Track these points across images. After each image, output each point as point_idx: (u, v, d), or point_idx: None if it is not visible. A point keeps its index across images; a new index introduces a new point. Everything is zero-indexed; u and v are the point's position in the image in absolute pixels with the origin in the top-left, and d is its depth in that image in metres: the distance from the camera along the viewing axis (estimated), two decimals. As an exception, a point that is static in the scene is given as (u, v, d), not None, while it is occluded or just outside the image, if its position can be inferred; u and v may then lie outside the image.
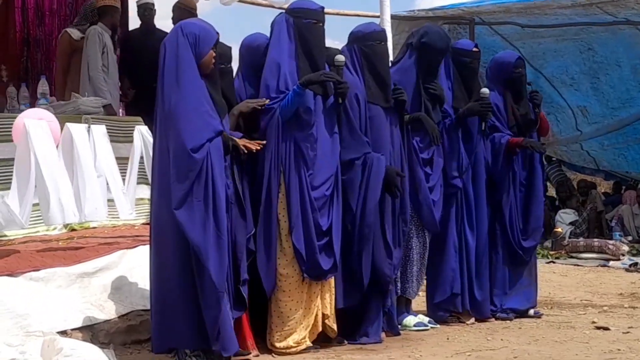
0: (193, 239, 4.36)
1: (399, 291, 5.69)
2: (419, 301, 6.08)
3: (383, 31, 5.73)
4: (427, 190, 5.72)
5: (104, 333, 4.93)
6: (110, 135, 6.82)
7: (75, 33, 8.17)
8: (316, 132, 5.01)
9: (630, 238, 11.09)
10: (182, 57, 4.48)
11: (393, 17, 8.60)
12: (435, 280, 5.91)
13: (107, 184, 6.63)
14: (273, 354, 4.95)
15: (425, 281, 5.96)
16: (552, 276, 8.49)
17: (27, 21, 9.18)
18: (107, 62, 7.85)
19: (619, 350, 5.03)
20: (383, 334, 5.40)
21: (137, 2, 8.53)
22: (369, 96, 5.38)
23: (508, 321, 6.08)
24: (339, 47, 5.60)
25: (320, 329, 5.10)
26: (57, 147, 6.16)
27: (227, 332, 4.51)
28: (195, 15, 8.15)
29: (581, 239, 10.66)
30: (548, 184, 12.55)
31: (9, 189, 5.85)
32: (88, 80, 7.78)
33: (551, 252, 10.20)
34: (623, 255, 9.78)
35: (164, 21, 9.61)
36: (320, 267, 4.97)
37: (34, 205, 5.97)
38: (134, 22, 8.86)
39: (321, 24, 5.16)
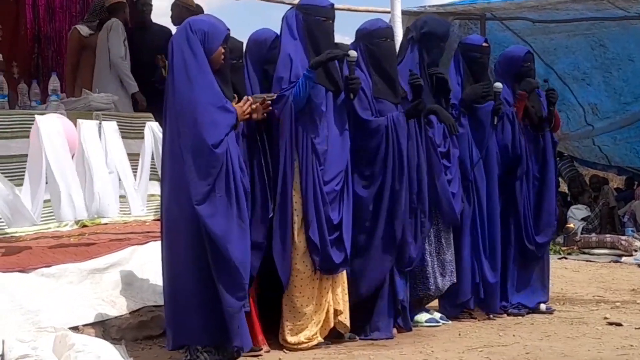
0: (216, 232, 4.34)
1: (432, 287, 5.66)
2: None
3: (389, 28, 5.70)
4: (445, 183, 5.70)
5: (115, 329, 4.94)
6: (121, 132, 6.85)
7: (84, 30, 8.22)
8: (327, 128, 5.01)
9: (642, 234, 11.04)
10: (193, 54, 4.47)
11: (404, 12, 8.57)
12: (458, 280, 5.86)
13: (119, 180, 6.66)
14: (284, 350, 4.94)
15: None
16: (564, 272, 8.47)
17: (38, 18, 9.21)
18: (124, 55, 7.92)
19: (631, 346, 5.01)
20: (395, 330, 5.39)
21: None
22: (375, 92, 5.37)
23: (520, 317, 6.06)
24: (348, 43, 5.59)
25: (332, 324, 5.09)
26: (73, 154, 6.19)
27: (245, 327, 4.53)
28: (195, 13, 8.18)
29: (593, 234, 10.62)
30: (560, 179, 12.49)
31: (21, 185, 5.88)
32: (109, 69, 7.82)
33: (563, 248, 10.17)
34: (635, 251, 9.74)
35: (162, 18, 9.64)
36: (332, 261, 4.97)
37: (46, 201, 6.00)
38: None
39: (331, 22, 5.16)
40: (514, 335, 5.38)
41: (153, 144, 6.97)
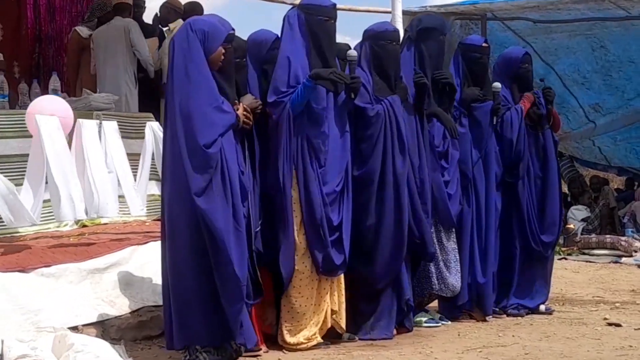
0: (215, 225, 4.36)
1: (435, 287, 5.66)
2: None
3: (396, 32, 5.72)
4: (442, 184, 5.71)
5: (115, 329, 4.93)
6: (121, 131, 6.86)
7: (84, 31, 8.29)
8: (327, 129, 5.02)
9: (642, 234, 11.03)
10: (192, 54, 4.49)
11: (405, 12, 8.58)
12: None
13: (118, 180, 6.66)
14: (284, 350, 4.94)
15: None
16: (564, 272, 8.47)
17: (39, 18, 9.22)
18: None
19: (630, 346, 5.01)
20: (394, 330, 5.40)
21: None
22: (376, 91, 5.39)
23: (519, 317, 6.06)
24: (350, 43, 5.61)
25: (329, 325, 5.09)
26: (68, 135, 6.17)
27: (248, 324, 4.55)
28: (180, 13, 8.26)
29: (593, 235, 10.62)
30: (561, 179, 12.49)
31: (22, 184, 5.89)
32: (123, 67, 7.93)
33: (563, 249, 10.17)
34: (635, 251, 9.75)
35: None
36: (333, 262, 4.97)
37: (45, 201, 6.01)
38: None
39: (333, 21, 5.16)
40: (513, 336, 5.38)
41: (154, 144, 6.97)
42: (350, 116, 5.21)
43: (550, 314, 6.20)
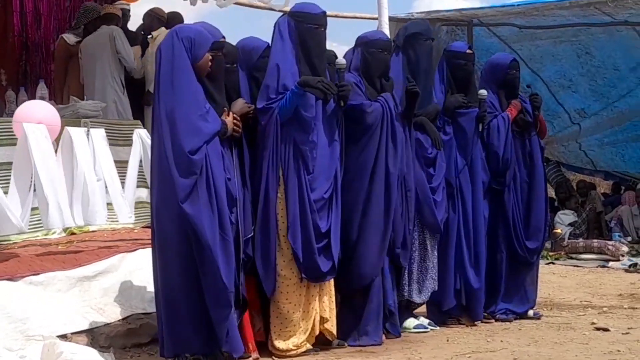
0: (202, 235, 4.37)
1: (405, 294, 5.69)
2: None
3: (389, 42, 5.76)
4: (428, 190, 5.74)
5: (104, 337, 4.92)
6: (109, 139, 6.85)
7: (70, 38, 8.31)
8: (316, 136, 5.03)
9: (629, 239, 11.09)
10: (177, 62, 4.51)
11: (391, 19, 8.59)
12: (439, 288, 5.88)
13: (106, 187, 6.65)
14: (273, 357, 4.94)
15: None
16: (552, 277, 8.50)
17: (26, 25, 9.20)
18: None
19: (618, 351, 5.03)
20: (383, 335, 5.41)
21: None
22: (368, 94, 5.43)
23: (508, 323, 6.08)
24: (336, 49, 5.65)
25: (317, 331, 5.10)
26: (55, 141, 6.16)
27: (235, 333, 4.55)
28: (163, 22, 8.31)
29: (580, 239, 10.66)
30: (547, 185, 12.54)
31: (7, 192, 5.87)
32: (111, 75, 7.93)
33: (551, 253, 10.20)
34: (622, 256, 9.78)
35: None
36: (319, 269, 4.98)
37: (34, 209, 5.99)
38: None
39: (323, 29, 5.19)
40: (501, 341, 5.40)
41: (141, 151, 6.97)
42: (340, 124, 5.23)
43: (539, 318, 6.22)
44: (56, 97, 8.09)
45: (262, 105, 4.95)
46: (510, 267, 6.26)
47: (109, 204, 6.69)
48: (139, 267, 5.44)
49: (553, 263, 9.73)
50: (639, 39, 11.02)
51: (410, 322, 5.75)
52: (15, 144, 6.01)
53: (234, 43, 5.18)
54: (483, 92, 6.12)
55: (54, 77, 8.63)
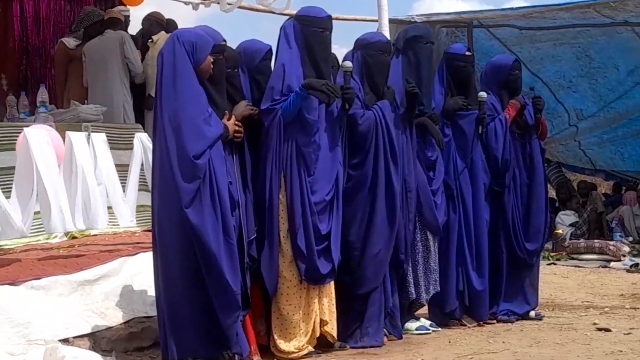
0: (206, 242, 4.37)
1: (412, 295, 5.69)
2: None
3: (388, 43, 5.77)
4: (429, 191, 5.75)
5: (105, 340, 4.92)
6: (110, 143, 6.84)
7: (70, 42, 8.31)
8: (318, 138, 5.04)
9: (630, 239, 11.10)
10: (179, 66, 4.52)
11: (391, 21, 8.61)
12: (441, 290, 5.88)
13: (107, 191, 6.65)
14: (275, 359, 4.95)
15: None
16: (553, 278, 8.50)
17: (26, 30, 9.21)
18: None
19: (620, 351, 5.03)
20: (385, 337, 5.41)
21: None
22: (366, 100, 5.43)
23: (510, 324, 6.09)
24: (337, 51, 5.65)
25: (318, 333, 5.10)
26: (60, 164, 6.19)
27: (242, 334, 4.58)
28: (163, 25, 8.32)
29: (582, 240, 10.66)
30: (548, 185, 12.55)
31: (9, 197, 5.87)
32: (120, 79, 7.98)
33: (552, 254, 10.21)
34: (624, 256, 9.78)
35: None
36: (319, 271, 4.99)
37: (35, 213, 5.99)
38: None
39: (328, 32, 5.22)
40: (503, 342, 5.40)
41: (142, 155, 6.97)
42: (344, 128, 5.24)
43: (540, 319, 6.22)
44: (57, 102, 8.09)
45: (266, 106, 4.97)
46: (511, 268, 6.26)
47: (110, 207, 6.69)
48: (140, 271, 5.44)
49: (554, 264, 9.73)
50: (638, 41, 11.03)
51: (413, 324, 5.77)
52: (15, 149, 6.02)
53: (234, 46, 5.19)
54: (483, 94, 6.13)
55: (55, 81, 8.63)
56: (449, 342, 5.46)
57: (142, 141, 7.00)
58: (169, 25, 8.30)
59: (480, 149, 6.14)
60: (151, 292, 5.22)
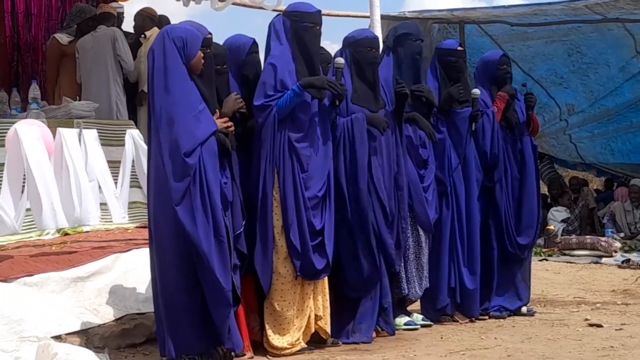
0: (195, 241, 4.38)
1: (404, 290, 5.70)
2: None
3: (375, 39, 5.77)
4: (421, 188, 5.76)
5: (98, 337, 4.92)
6: (101, 139, 6.84)
7: (63, 38, 8.28)
8: (311, 134, 5.05)
9: (622, 235, 11.11)
10: (170, 62, 4.51)
11: (383, 17, 8.61)
12: (433, 285, 5.90)
13: (100, 187, 6.65)
14: (268, 355, 4.95)
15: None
16: (545, 274, 8.52)
17: (17, 26, 9.17)
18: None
19: (612, 347, 5.05)
20: (374, 333, 5.42)
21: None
22: (354, 98, 5.42)
23: (501, 320, 6.10)
24: (329, 47, 5.65)
25: (312, 329, 5.11)
26: (50, 158, 6.19)
27: (235, 330, 4.59)
28: (155, 21, 8.30)
29: (573, 236, 10.68)
30: (540, 181, 12.57)
31: (0, 193, 5.86)
32: (112, 76, 7.95)
33: (544, 250, 10.23)
34: (615, 251, 9.81)
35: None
36: (314, 266, 5.00)
37: (27, 210, 5.98)
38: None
39: (318, 27, 5.22)
40: (495, 338, 5.41)
41: (134, 151, 6.97)
42: (333, 123, 5.25)
43: (532, 315, 6.24)
44: (48, 98, 8.07)
45: (261, 103, 4.96)
46: (502, 263, 6.27)
47: (102, 204, 6.68)
48: (132, 268, 5.44)
49: (546, 259, 9.75)
50: (629, 37, 11.06)
51: (401, 319, 5.77)
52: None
53: (220, 42, 5.19)
54: (476, 91, 6.13)
55: (46, 77, 8.61)
56: (441, 338, 5.47)
57: (134, 137, 7.01)
58: (162, 21, 8.28)
59: (473, 146, 6.15)
60: (144, 288, 5.22)
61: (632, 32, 11.03)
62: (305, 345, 5.07)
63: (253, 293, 5.01)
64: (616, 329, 5.62)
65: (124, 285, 5.33)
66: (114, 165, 6.92)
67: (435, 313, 5.98)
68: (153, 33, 8.17)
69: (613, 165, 13.66)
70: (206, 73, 4.68)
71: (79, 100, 7.38)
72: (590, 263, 9.49)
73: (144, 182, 6.48)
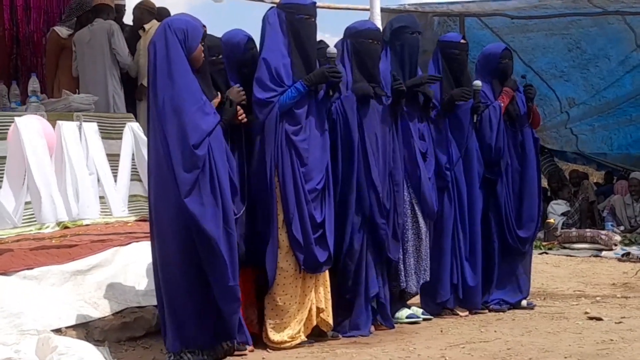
0: (207, 231, 4.36)
1: (402, 284, 5.70)
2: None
3: (377, 30, 5.74)
4: (426, 177, 5.75)
5: (98, 330, 4.92)
6: (101, 132, 6.84)
7: (63, 31, 8.27)
8: (308, 127, 5.04)
9: (622, 228, 11.12)
10: (173, 54, 4.48)
11: (383, 10, 8.59)
12: (434, 280, 5.90)
13: (99, 181, 6.65)
14: (268, 349, 4.95)
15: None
16: (545, 267, 8.52)
17: (16, 19, 9.16)
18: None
19: (611, 340, 5.05)
20: (372, 327, 5.42)
21: None
22: (354, 89, 5.40)
23: (501, 313, 6.10)
24: (329, 40, 5.63)
25: (314, 323, 5.11)
26: (51, 154, 6.18)
27: (243, 324, 4.61)
28: (154, 14, 8.28)
29: (573, 229, 10.68)
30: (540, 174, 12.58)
31: (0, 187, 5.86)
32: (108, 70, 7.91)
33: (544, 243, 10.22)
34: (615, 245, 9.80)
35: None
36: (316, 259, 5.00)
37: (27, 203, 5.98)
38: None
39: (313, 19, 5.18)
40: (495, 331, 5.42)
41: (133, 144, 6.96)
42: (329, 114, 5.24)
43: (532, 308, 6.24)
44: (47, 91, 8.07)
45: (264, 98, 4.93)
46: (503, 256, 6.27)
47: (102, 197, 6.68)
48: (132, 261, 5.43)
49: (546, 253, 9.75)
50: (629, 31, 11.05)
51: (403, 312, 5.77)
52: (6, 139, 6.01)
53: (219, 35, 5.18)
54: (478, 83, 6.12)
55: (46, 70, 8.60)
56: (441, 331, 5.47)
57: (134, 130, 7.00)
58: (161, 14, 8.25)
59: (475, 138, 6.14)
60: (144, 282, 5.23)
61: (632, 26, 11.02)
62: (306, 339, 5.07)
63: (251, 285, 5.00)
64: (616, 322, 5.62)
65: (124, 279, 5.33)
66: (114, 159, 6.91)
67: (435, 306, 5.97)
68: (152, 26, 8.15)
69: (613, 158, 13.66)
70: (202, 66, 4.67)
71: (79, 93, 7.37)
72: (590, 256, 9.49)
73: (144, 175, 6.48)
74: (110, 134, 7.05)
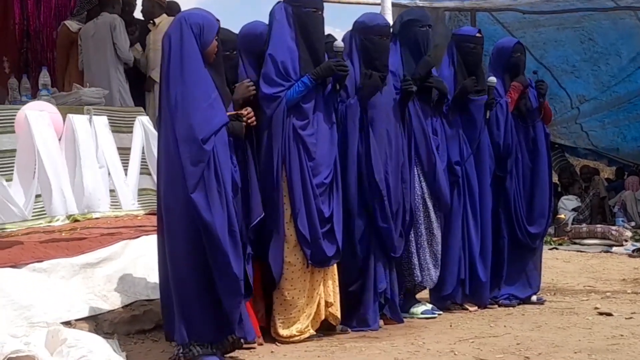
0: (211, 228, 4.35)
1: (417, 278, 5.69)
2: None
3: (387, 26, 5.68)
4: (441, 170, 5.74)
5: (107, 323, 4.94)
6: (112, 126, 6.85)
7: (73, 25, 8.30)
8: (316, 122, 5.02)
9: (633, 224, 11.10)
10: (187, 48, 4.46)
11: (394, 5, 8.59)
12: (442, 273, 5.89)
13: (109, 174, 6.66)
14: (277, 343, 4.96)
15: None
16: (555, 262, 8.51)
17: (27, 12, 9.19)
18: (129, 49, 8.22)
19: (621, 335, 5.03)
20: (381, 321, 5.42)
21: None
22: (364, 85, 5.36)
23: (511, 308, 6.09)
24: (339, 35, 5.61)
25: (323, 316, 5.11)
26: (60, 139, 6.20)
27: (246, 318, 4.57)
28: (164, 8, 8.27)
29: (584, 225, 10.67)
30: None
31: (12, 179, 5.88)
32: (112, 64, 7.88)
33: (554, 239, 10.21)
34: (626, 240, 9.79)
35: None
36: (324, 253, 4.99)
37: (37, 196, 5.99)
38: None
39: (320, 12, 5.15)
40: (505, 326, 5.41)
41: (143, 138, 6.97)
42: (337, 108, 5.23)
43: (542, 304, 6.23)
44: (58, 84, 8.08)
45: (270, 93, 4.92)
46: (513, 252, 6.25)
47: (112, 190, 6.69)
48: (142, 254, 5.44)
49: (556, 248, 9.74)
50: (641, 27, 11.03)
51: (418, 308, 5.76)
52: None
53: (236, 28, 5.16)
54: (492, 79, 6.09)
55: (56, 64, 8.63)
56: (450, 325, 5.46)
57: (144, 124, 7.01)
58: (171, 8, 8.26)
59: (487, 134, 6.12)
60: (153, 275, 5.23)
61: (643, 21, 10.99)
62: (314, 333, 5.07)
63: (257, 278, 5.00)
64: (626, 318, 5.60)
65: (133, 272, 5.34)
66: (124, 152, 6.92)
67: (444, 301, 5.96)
68: (162, 20, 8.15)
69: (624, 154, 13.62)
70: (216, 61, 4.66)
71: (89, 87, 7.39)
72: (600, 252, 9.48)
73: (153, 169, 6.49)
74: (121, 127, 7.06)
